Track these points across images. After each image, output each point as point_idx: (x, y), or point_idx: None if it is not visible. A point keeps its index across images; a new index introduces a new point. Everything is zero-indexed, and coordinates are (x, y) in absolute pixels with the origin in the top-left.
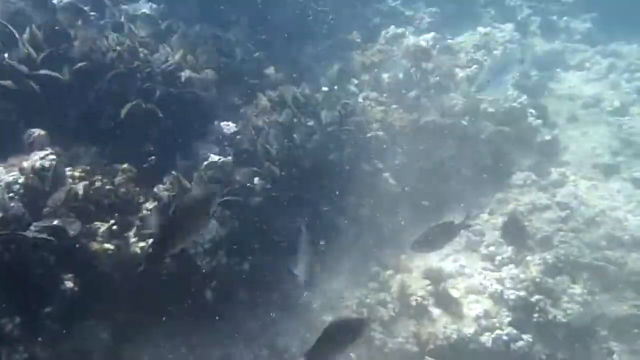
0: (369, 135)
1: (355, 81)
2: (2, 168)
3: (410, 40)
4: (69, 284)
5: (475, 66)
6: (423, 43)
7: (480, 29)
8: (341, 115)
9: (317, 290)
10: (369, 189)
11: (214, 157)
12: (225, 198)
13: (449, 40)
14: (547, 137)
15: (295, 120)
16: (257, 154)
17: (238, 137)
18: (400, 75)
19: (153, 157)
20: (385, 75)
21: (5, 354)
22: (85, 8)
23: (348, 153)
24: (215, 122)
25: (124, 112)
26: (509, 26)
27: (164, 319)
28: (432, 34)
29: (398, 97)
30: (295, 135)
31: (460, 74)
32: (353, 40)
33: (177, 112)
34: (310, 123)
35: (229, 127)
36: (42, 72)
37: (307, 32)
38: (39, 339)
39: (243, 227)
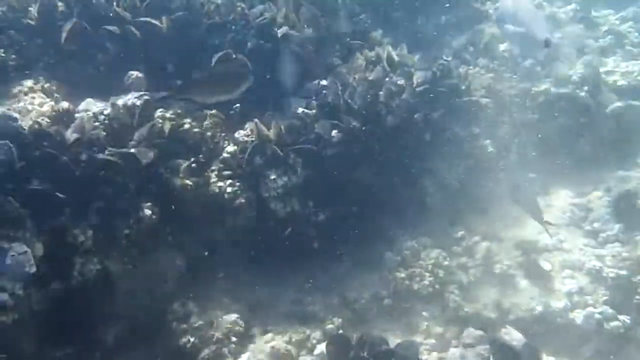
0: (468, 99)
1: (471, 48)
2: (92, 100)
3: (546, 10)
4: (148, 212)
5: (610, 37)
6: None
7: None
8: (436, 76)
9: (393, 248)
10: (462, 155)
11: (299, 110)
12: (297, 146)
13: (594, 13)
14: None
15: (387, 79)
16: (339, 107)
17: (324, 91)
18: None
19: (238, 105)
20: (501, 45)
21: (79, 263)
22: None
23: (439, 115)
24: (310, 80)
25: (214, 60)
26: None
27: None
28: (573, 5)
29: (512, 65)
30: (381, 92)
31: (594, 44)
32: (486, 12)
33: (268, 65)
34: (400, 82)
35: (321, 84)
36: (142, 19)
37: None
38: (114, 255)
39: (317, 177)
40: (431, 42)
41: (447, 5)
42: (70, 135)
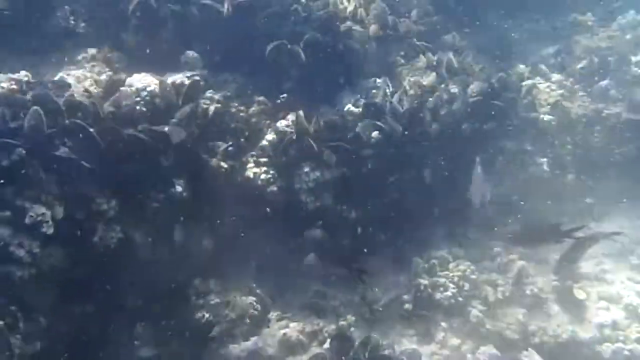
0: (526, 115)
1: (552, 60)
2: (138, 75)
3: None
4: (179, 188)
5: None
6: None
7: None
8: (493, 88)
9: (423, 255)
10: (512, 172)
11: (345, 107)
12: (334, 143)
13: None
14: None
15: (442, 85)
16: (384, 109)
17: (374, 91)
18: (596, 60)
19: (285, 95)
20: (582, 61)
21: (101, 229)
22: None
23: (489, 128)
24: (368, 77)
25: (268, 49)
26: None
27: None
28: None
29: (587, 84)
30: (430, 99)
31: None
32: (584, 22)
33: (323, 59)
34: (454, 90)
35: (375, 83)
36: (204, 1)
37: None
38: (140, 226)
39: (352, 176)
40: (516, 49)
41: (544, 11)
42: (106, 108)
